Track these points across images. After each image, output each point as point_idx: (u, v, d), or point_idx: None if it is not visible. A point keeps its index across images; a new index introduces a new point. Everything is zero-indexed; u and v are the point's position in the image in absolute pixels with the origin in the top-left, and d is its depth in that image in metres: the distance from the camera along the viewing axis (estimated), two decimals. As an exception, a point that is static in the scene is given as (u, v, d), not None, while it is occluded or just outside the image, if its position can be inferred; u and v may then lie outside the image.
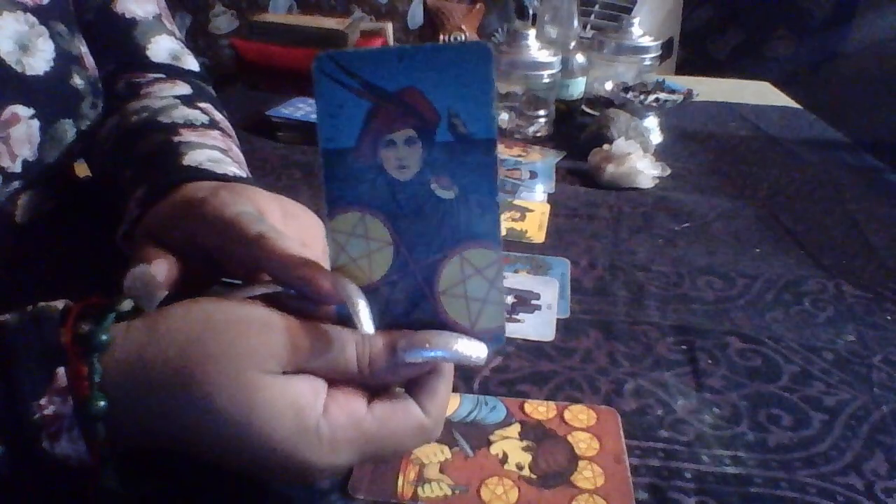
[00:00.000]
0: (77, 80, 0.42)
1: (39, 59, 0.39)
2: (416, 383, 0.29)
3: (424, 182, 0.27)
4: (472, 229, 0.27)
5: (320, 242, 0.36)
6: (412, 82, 0.26)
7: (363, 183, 0.27)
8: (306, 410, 0.26)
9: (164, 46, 0.54)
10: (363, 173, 0.27)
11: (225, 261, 0.33)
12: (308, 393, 0.27)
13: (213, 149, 0.43)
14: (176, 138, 0.43)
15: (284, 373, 0.27)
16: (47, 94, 0.39)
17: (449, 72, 0.26)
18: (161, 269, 0.32)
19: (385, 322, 0.28)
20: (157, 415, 0.26)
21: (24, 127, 0.38)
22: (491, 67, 0.25)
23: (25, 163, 0.39)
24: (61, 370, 0.26)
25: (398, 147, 0.27)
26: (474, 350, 0.28)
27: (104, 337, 0.26)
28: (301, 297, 0.29)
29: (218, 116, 0.50)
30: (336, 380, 0.28)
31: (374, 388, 0.29)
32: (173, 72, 0.54)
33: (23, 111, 0.37)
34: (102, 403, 0.26)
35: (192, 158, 0.40)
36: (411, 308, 0.28)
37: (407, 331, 0.28)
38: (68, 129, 0.41)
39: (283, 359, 0.26)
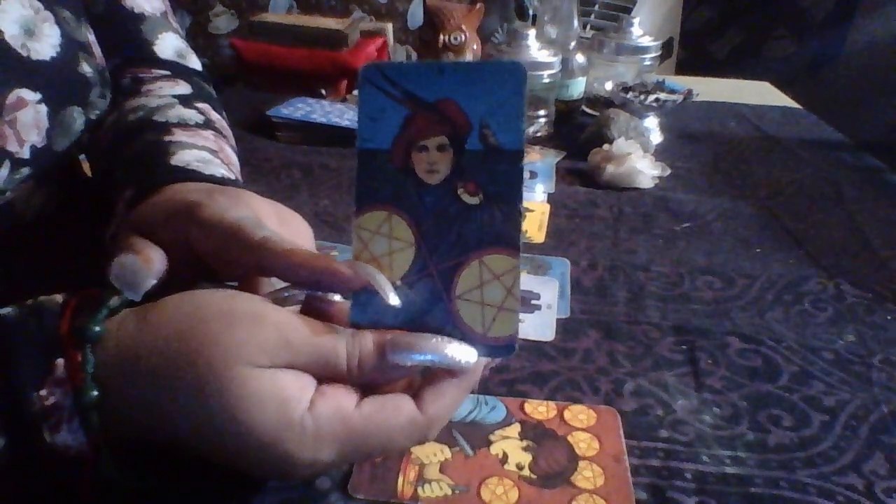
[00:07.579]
0: (86, 68, 0.41)
1: (45, 45, 0.38)
2: (426, 379, 0.29)
3: (451, 187, 0.28)
4: (494, 235, 0.28)
5: (312, 247, 0.36)
6: (449, 94, 0.28)
7: (393, 183, 0.28)
8: (291, 403, 0.26)
9: (170, 43, 0.54)
10: (394, 174, 0.28)
11: (220, 265, 0.33)
12: (294, 386, 0.27)
13: (203, 149, 0.43)
14: (167, 137, 0.43)
15: (273, 367, 0.26)
16: (54, 80, 0.39)
17: (484, 86, 0.27)
18: (155, 257, 0.32)
19: (398, 322, 0.29)
20: (147, 406, 0.27)
21: (32, 112, 0.37)
22: (523, 85, 0.27)
23: (34, 149, 0.38)
24: (60, 361, 0.26)
25: (430, 152, 0.28)
26: (464, 355, 0.28)
27: (97, 329, 0.27)
28: (316, 290, 0.29)
29: (214, 116, 0.50)
30: (326, 378, 0.28)
31: (366, 387, 0.29)
32: (178, 69, 0.54)
33: (29, 95, 0.37)
34: (95, 393, 0.26)
35: (181, 158, 0.40)
36: (426, 311, 0.29)
37: (399, 332, 0.28)
38: (77, 117, 0.41)
39: (273, 353, 0.26)
